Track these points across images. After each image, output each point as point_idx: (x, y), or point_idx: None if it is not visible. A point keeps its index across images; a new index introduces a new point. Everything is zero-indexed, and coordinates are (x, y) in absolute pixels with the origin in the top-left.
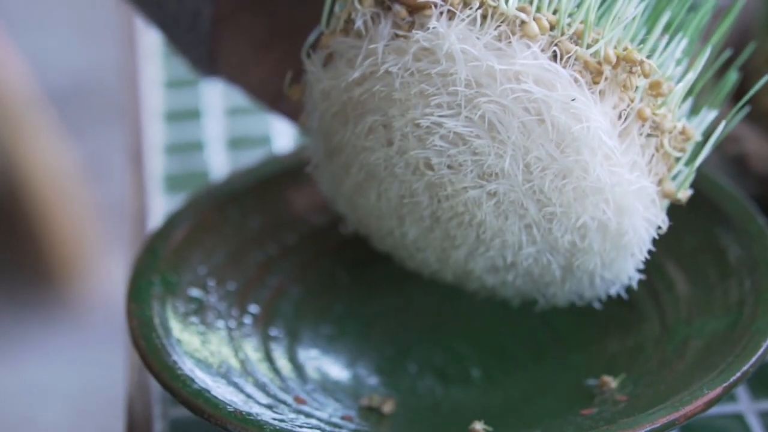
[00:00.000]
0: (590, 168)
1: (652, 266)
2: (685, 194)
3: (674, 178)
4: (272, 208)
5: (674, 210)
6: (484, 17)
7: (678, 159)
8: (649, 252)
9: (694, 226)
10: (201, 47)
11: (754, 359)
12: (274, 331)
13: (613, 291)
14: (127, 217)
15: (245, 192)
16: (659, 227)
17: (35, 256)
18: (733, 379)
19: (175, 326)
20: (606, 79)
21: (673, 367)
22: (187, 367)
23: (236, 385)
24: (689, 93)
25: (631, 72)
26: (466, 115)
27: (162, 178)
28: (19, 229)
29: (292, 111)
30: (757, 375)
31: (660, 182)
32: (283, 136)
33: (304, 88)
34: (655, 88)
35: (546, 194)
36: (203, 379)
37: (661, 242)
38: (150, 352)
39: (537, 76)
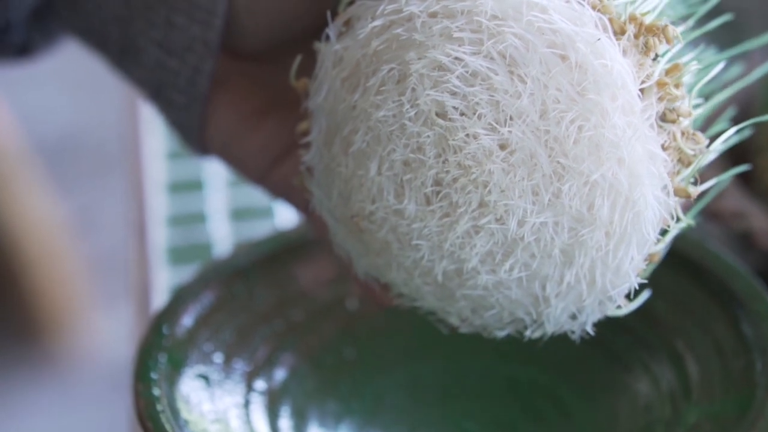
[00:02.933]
0: (609, 114)
1: (660, 345)
2: (695, 191)
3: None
4: (278, 283)
5: (683, 289)
6: None
7: (689, 163)
8: (658, 331)
9: (703, 305)
10: (194, 110)
11: None
12: (281, 409)
13: (612, 309)
14: (130, 290)
15: (251, 268)
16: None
17: (23, 311)
18: None
19: (183, 407)
20: (628, 39)
21: None
22: None
23: None
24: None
25: (654, 34)
26: (487, 51)
27: (165, 250)
28: (6, 284)
29: (278, 187)
30: None
31: (670, 177)
32: (285, 207)
33: (309, 83)
34: (673, 72)
35: (560, 142)
36: None
37: (669, 321)
38: None
39: (563, 13)
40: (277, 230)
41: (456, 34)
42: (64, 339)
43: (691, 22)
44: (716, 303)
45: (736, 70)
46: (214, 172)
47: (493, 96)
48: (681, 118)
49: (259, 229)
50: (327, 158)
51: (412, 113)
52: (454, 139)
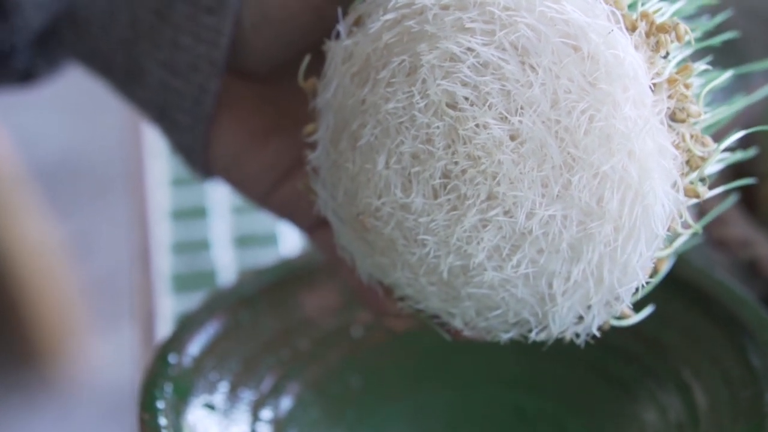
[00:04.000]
0: (620, 105)
1: (668, 374)
2: (704, 191)
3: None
4: (284, 311)
5: (691, 318)
6: None
7: (697, 166)
8: (665, 360)
9: (711, 334)
10: (199, 131)
11: None
12: None
13: (620, 308)
14: (134, 317)
15: (257, 296)
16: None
17: (21, 335)
18: None
19: None
20: (639, 36)
21: None
22: None
23: None
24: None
25: (665, 32)
26: (499, 42)
27: (169, 278)
28: (4, 307)
29: (282, 207)
30: None
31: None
32: (290, 234)
33: (317, 83)
34: (684, 72)
35: (571, 133)
36: None
37: (677, 350)
38: None
39: (576, 4)
40: (281, 258)
41: (468, 25)
42: (61, 363)
43: (698, 34)
44: (724, 332)
45: (736, 100)
46: (218, 198)
47: (504, 86)
48: (691, 119)
49: (263, 257)
50: (334, 155)
51: (422, 104)
52: (464, 129)
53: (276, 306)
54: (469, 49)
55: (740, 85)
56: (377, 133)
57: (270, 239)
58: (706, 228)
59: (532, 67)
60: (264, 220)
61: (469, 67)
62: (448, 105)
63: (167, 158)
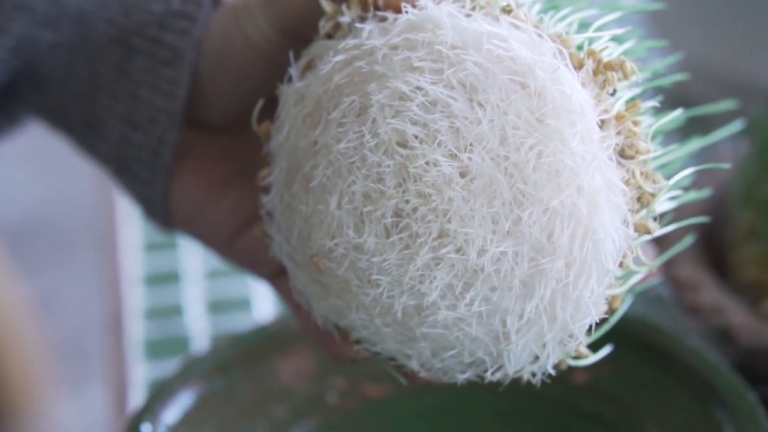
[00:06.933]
0: (568, 141)
1: None
2: (655, 227)
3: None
4: (259, 378)
5: (664, 384)
6: (473, 8)
7: (648, 203)
8: (639, 425)
9: (686, 400)
10: (158, 183)
11: None
12: None
13: (573, 347)
14: (105, 382)
15: (231, 362)
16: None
17: None
18: None
19: None
20: (587, 73)
21: None
22: None
23: None
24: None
25: (612, 70)
26: (447, 79)
27: (142, 344)
28: None
29: (243, 256)
30: None
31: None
32: (263, 299)
33: (271, 127)
34: (632, 110)
35: (520, 169)
36: None
37: (650, 416)
38: None
39: (523, 42)
40: (256, 323)
41: (417, 64)
42: (28, 423)
43: (647, 74)
44: (697, 399)
45: (690, 140)
46: (191, 264)
47: (453, 123)
48: (640, 155)
49: (237, 322)
50: (287, 198)
51: (373, 143)
52: (414, 167)
53: (251, 373)
54: (418, 87)
55: (709, 154)
56: (329, 173)
57: (244, 304)
58: (679, 294)
59: (480, 104)
60: (237, 286)
61: (418, 106)
62: (398, 143)
63: (140, 223)
